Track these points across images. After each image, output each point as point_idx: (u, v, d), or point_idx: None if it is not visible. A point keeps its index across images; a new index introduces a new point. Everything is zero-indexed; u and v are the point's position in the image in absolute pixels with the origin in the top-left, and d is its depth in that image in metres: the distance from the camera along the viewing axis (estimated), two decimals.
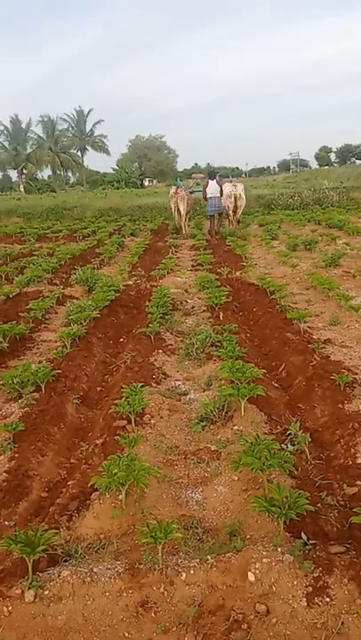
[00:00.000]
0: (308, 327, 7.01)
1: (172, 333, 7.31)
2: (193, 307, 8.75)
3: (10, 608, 2.58)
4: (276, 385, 5.50)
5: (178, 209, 19.09)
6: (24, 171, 63.60)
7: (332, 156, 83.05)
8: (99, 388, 5.75)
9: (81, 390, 5.42)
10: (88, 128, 66.96)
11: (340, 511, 3.33)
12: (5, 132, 62.91)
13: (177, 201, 18.85)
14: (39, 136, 65.12)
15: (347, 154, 79.74)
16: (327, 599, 2.51)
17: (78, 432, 4.74)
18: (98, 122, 67.29)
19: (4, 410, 5.04)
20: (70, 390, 5.27)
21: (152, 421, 4.53)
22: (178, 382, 5.63)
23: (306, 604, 2.51)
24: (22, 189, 60.66)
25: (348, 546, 2.92)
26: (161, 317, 7.43)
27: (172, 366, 6.11)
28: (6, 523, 3.38)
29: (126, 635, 2.53)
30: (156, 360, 6.14)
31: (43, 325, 8.04)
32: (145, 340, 6.69)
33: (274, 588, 2.58)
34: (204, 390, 5.31)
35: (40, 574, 2.76)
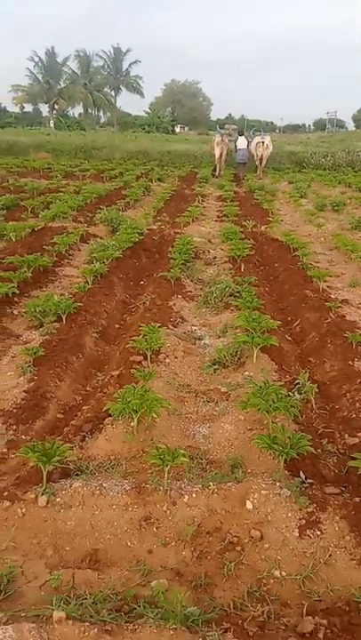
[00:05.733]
0: (328, 286, 7.06)
1: (192, 281, 7.40)
2: (215, 257, 8.79)
3: (24, 510, 2.80)
4: (290, 338, 5.61)
5: (221, 154, 22.47)
6: (55, 106, 62.17)
7: None
8: (117, 326, 5.91)
9: (100, 325, 5.58)
10: (124, 67, 65.02)
11: (338, 458, 3.50)
12: (40, 63, 61.17)
13: (222, 147, 22.32)
14: (73, 71, 63.33)
15: None
16: (318, 532, 2.69)
17: (95, 363, 4.92)
18: (134, 62, 65.08)
19: (25, 336, 5.23)
20: (90, 324, 5.43)
21: (167, 360, 4.69)
22: (194, 327, 5.76)
23: (298, 534, 2.69)
24: (52, 125, 59.23)
25: (343, 488, 3.09)
26: (183, 264, 7.50)
27: (189, 312, 6.23)
28: (23, 437, 3.60)
29: (129, 544, 2.74)
30: (174, 304, 6.27)
31: (66, 260, 8.16)
32: (165, 285, 6.80)
33: (269, 518, 2.76)
34: (219, 337, 5.44)
35: (53, 484, 2.97)
